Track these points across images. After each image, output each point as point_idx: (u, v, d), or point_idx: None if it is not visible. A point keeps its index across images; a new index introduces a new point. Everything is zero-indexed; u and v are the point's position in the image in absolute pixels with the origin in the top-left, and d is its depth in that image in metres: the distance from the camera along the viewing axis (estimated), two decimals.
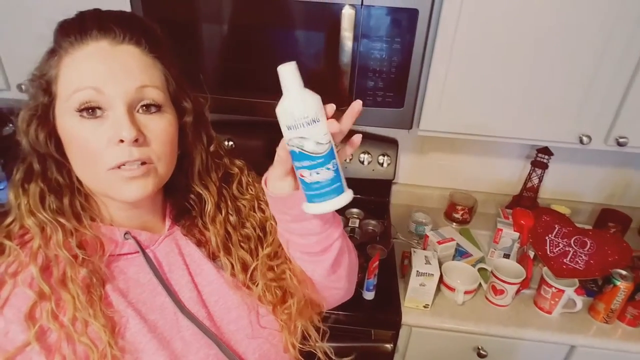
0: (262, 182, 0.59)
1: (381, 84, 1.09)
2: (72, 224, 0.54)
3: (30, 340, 0.47)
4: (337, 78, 1.07)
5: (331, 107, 0.51)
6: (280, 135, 0.52)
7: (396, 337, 1.18)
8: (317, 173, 0.50)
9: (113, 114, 0.51)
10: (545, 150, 1.48)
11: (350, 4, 0.99)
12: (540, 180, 1.53)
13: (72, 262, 0.51)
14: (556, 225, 1.32)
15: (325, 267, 0.63)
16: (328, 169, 0.50)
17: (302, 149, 0.49)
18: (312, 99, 0.49)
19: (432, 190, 1.67)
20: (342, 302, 0.73)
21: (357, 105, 0.51)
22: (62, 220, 0.53)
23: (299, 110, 0.48)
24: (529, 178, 1.54)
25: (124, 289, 0.55)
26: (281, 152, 0.52)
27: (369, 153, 1.53)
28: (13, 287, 0.49)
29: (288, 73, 0.49)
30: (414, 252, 1.21)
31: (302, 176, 0.51)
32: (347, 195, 0.52)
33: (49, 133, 0.53)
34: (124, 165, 0.52)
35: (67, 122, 0.52)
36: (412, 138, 1.57)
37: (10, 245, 0.52)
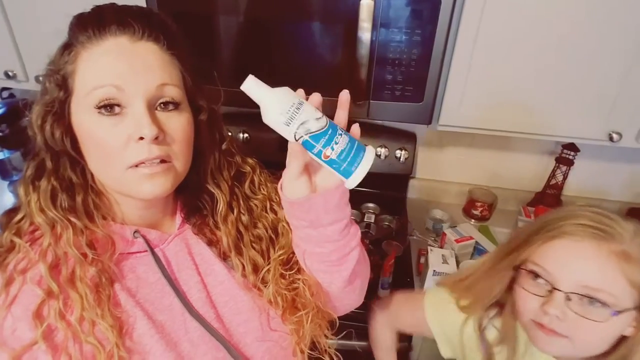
0: (278, 187, 0.57)
1: (400, 77, 1.06)
2: (83, 223, 0.53)
3: (37, 339, 0.47)
4: (355, 71, 1.04)
5: (300, 91, 0.52)
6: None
7: (411, 336, 1.16)
8: (336, 143, 0.50)
9: (132, 112, 0.50)
10: (571, 147, 1.42)
11: None
12: (565, 178, 1.47)
13: (82, 261, 0.51)
14: None
15: (344, 277, 0.61)
16: (340, 134, 0.51)
17: (310, 132, 0.50)
18: (283, 90, 0.51)
19: (451, 185, 1.63)
20: (350, 311, 0.71)
21: (344, 94, 0.52)
22: (72, 218, 0.53)
23: (284, 103, 0.49)
24: (552, 175, 1.49)
25: (133, 288, 0.55)
26: (294, 146, 0.51)
27: (386, 147, 1.49)
28: (21, 285, 0.49)
29: (253, 86, 0.51)
30: (431, 250, 1.18)
31: (327, 156, 0.50)
32: (370, 149, 0.53)
33: (65, 130, 0.53)
34: (143, 163, 0.51)
35: (85, 119, 0.51)
36: (431, 132, 1.52)
37: (20, 243, 0.51)
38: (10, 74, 1.24)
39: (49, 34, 0.52)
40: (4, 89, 1.58)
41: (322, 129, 0.50)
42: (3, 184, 1.54)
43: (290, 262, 0.64)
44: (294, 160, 0.51)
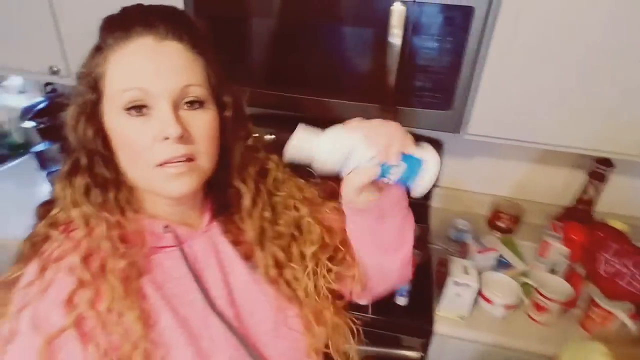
0: (341, 197, 0.62)
1: (430, 84, 1.05)
2: (116, 217, 0.55)
3: (68, 326, 0.49)
4: (384, 76, 1.04)
5: (354, 134, 0.56)
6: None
7: (426, 346, 1.15)
8: (391, 173, 0.54)
9: (158, 112, 0.52)
10: (606, 161, 1.37)
11: (401, 0, 0.95)
12: (598, 193, 1.42)
13: (113, 254, 0.53)
14: (612, 244, 1.21)
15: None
16: (390, 166, 0.54)
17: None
18: (334, 140, 0.55)
19: (476, 195, 1.60)
20: (392, 290, 0.76)
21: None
22: (105, 213, 0.55)
23: (333, 156, 0.54)
24: (584, 190, 1.44)
25: (160, 282, 0.57)
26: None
27: None
28: (56, 272, 0.52)
29: (302, 140, 0.56)
30: (452, 260, 1.17)
31: (389, 180, 0.56)
32: (429, 162, 0.54)
33: (96, 130, 0.55)
34: (169, 162, 0.53)
35: (115, 120, 0.54)
36: (458, 140, 1.50)
37: (55, 234, 0.54)
38: (54, 69, 1.29)
39: (93, 31, 0.54)
40: (48, 83, 1.66)
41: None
42: (42, 173, 1.62)
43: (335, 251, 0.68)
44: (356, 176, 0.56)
